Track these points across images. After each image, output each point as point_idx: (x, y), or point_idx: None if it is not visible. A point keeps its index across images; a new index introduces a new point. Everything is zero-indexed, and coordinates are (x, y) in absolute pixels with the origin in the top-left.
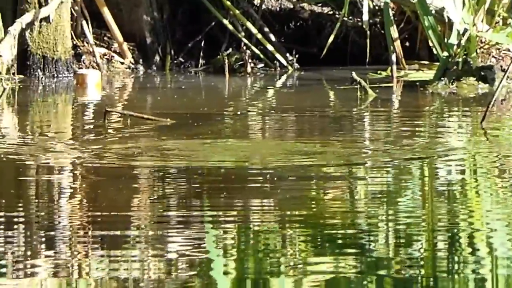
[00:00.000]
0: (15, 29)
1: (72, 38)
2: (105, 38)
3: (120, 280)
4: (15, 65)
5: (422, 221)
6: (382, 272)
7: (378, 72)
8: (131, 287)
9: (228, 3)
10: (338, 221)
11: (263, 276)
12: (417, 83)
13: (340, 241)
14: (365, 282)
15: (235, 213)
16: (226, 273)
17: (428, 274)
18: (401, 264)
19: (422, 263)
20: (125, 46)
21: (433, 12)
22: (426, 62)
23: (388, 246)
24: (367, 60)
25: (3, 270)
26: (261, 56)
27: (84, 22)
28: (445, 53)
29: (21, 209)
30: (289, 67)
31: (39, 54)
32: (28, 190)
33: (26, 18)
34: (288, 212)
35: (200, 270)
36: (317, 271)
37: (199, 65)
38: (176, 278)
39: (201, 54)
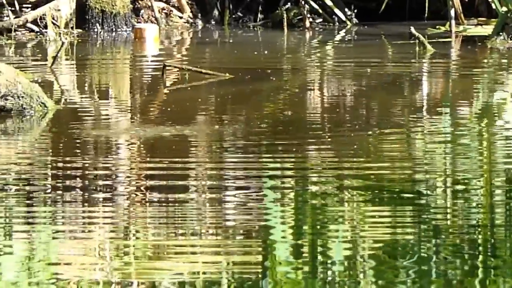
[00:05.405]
0: None
1: None
2: None
3: None
4: (74, 19)
5: None
6: None
7: (437, 27)
8: None
9: None
10: None
11: None
12: (476, 38)
13: None
14: None
15: None
16: None
17: None
18: None
19: None
20: (183, 0)
21: None
22: (485, 18)
23: None
24: (426, 15)
25: None
26: (320, 10)
27: None
28: (504, 8)
29: None
30: (348, 22)
31: (98, 9)
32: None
33: None
34: None
35: None
36: None
37: (258, 20)
38: None
39: (260, 8)
